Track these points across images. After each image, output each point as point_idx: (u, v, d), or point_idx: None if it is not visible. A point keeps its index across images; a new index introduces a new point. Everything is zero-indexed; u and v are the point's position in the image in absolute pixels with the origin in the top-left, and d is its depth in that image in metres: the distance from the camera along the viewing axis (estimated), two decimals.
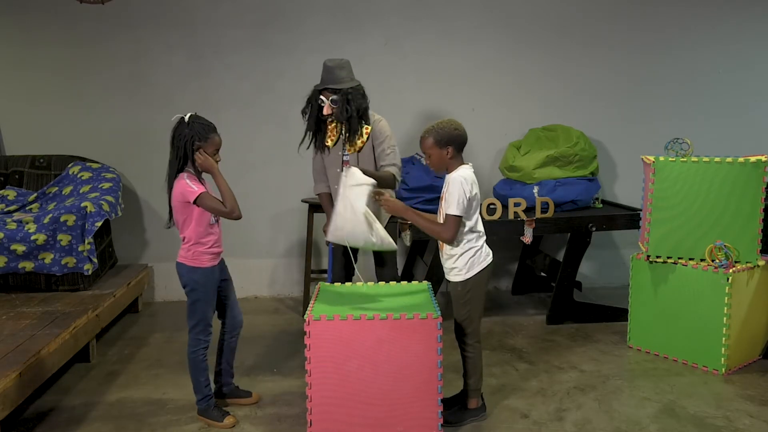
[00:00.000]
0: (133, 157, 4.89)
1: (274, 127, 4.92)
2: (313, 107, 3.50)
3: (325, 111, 3.45)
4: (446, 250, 2.93)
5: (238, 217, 2.92)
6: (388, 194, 3.12)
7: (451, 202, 2.80)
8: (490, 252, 2.99)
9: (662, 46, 5.14)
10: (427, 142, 2.85)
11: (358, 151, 3.51)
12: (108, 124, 4.86)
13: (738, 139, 5.17)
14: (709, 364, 3.57)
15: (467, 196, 2.80)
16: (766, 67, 5.26)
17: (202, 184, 2.91)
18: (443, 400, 2.85)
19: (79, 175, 4.54)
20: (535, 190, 4.45)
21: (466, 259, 2.89)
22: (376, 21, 4.93)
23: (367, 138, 3.51)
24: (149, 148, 4.89)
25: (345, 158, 3.54)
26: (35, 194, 4.53)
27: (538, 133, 4.80)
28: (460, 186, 2.79)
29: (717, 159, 3.52)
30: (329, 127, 3.53)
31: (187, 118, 2.89)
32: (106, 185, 4.42)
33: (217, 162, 2.93)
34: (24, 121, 4.82)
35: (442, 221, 2.90)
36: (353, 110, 3.42)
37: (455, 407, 3.07)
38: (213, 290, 3.02)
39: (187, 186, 2.84)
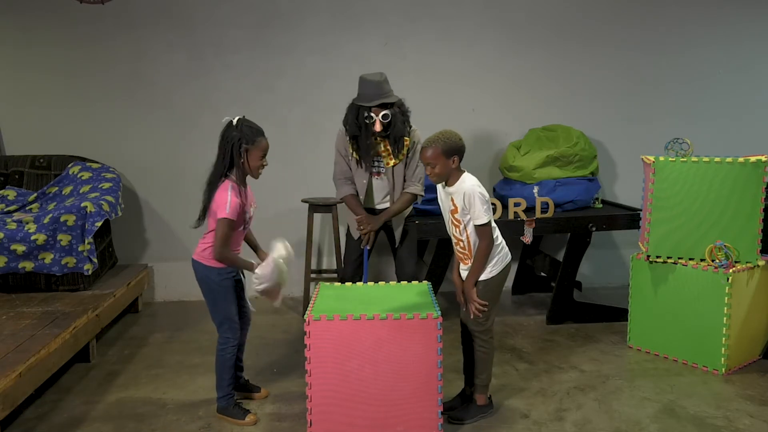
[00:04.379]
0: (133, 157, 4.89)
1: (274, 127, 4.86)
2: (366, 127, 3.38)
3: (377, 128, 3.36)
4: (473, 251, 2.93)
5: (213, 257, 2.90)
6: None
7: (479, 214, 2.81)
8: (509, 252, 3.01)
9: (662, 46, 5.14)
10: (433, 152, 2.80)
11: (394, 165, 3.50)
12: (108, 124, 4.86)
13: (738, 139, 5.17)
14: (709, 364, 3.57)
15: (487, 200, 2.83)
16: (766, 67, 5.26)
17: (242, 193, 2.90)
18: (444, 405, 2.86)
19: (79, 175, 4.54)
20: (535, 190, 4.45)
21: (491, 258, 2.91)
22: (376, 21, 4.93)
23: (407, 150, 3.47)
24: (149, 148, 4.90)
25: (380, 170, 3.51)
26: (35, 194, 4.53)
27: (538, 133, 4.80)
28: (479, 196, 2.80)
29: (717, 159, 3.52)
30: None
31: (235, 121, 2.89)
32: (106, 185, 4.42)
33: (263, 166, 2.95)
34: (24, 121, 4.82)
35: (462, 233, 2.90)
36: (408, 122, 3.39)
37: (463, 405, 3.09)
38: (230, 288, 3.02)
39: (224, 204, 2.82)
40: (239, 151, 2.86)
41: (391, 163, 3.50)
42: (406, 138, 3.46)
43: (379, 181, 3.58)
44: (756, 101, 5.26)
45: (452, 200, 2.89)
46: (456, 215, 2.89)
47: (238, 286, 3.14)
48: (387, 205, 3.62)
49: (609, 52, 5.11)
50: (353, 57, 4.85)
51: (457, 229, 2.92)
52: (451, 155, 2.82)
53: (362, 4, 4.91)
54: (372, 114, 3.36)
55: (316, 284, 3.27)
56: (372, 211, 3.62)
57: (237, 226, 2.92)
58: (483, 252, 2.87)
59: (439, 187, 2.96)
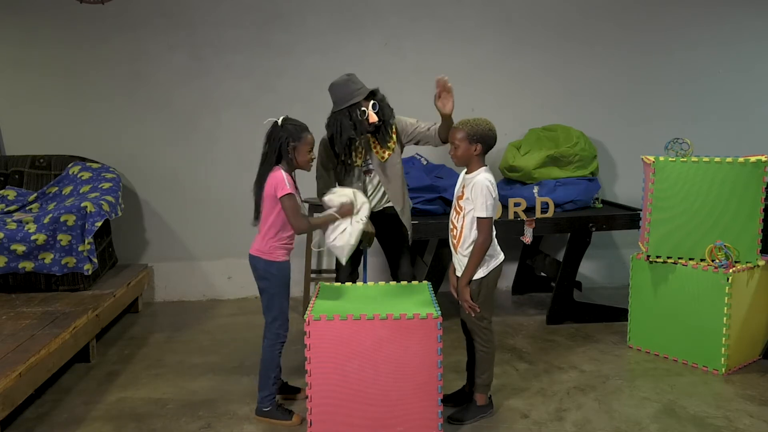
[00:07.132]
0: (133, 157, 4.89)
1: None
2: (360, 123, 3.27)
3: (373, 119, 3.28)
4: (462, 250, 2.94)
5: (297, 233, 3.00)
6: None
7: (480, 206, 2.84)
8: (501, 251, 3.02)
9: (662, 46, 5.14)
10: (459, 134, 2.89)
11: (385, 160, 3.39)
12: (108, 124, 4.86)
13: (738, 139, 5.17)
14: (709, 364, 3.57)
15: (493, 197, 2.85)
16: (766, 67, 5.26)
17: (294, 182, 2.97)
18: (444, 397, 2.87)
19: (79, 175, 4.54)
20: (535, 190, 4.45)
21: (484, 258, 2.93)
22: (376, 21, 4.93)
23: (397, 137, 3.42)
24: (149, 148, 4.90)
25: (369, 167, 3.41)
26: (35, 194, 4.53)
27: (538, 133, 4.80)
28: (486, 189, 2.83)
29: (717, 159, 3.52)
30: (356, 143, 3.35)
31: (280, 121, 2.96)
32: (106, 185, 4.42)
33: (312, 159, 3.02)
34: (24, 121, 4.82)
35: (459, 220, 2.93)
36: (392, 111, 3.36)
37: (463, 405, 3.09)
38: (288, 283, 3.04)
39: (283, 181, 2.90)
40: (287, 148, 2.93)
41: (386, 155, 3.40)
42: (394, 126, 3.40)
43: (371, 179, 3.46)
44: (756, 101, 5.26)
45: (463, 187, 2.94)
46: (461, 201, 2.93)
47: None
48: (389, 203, 3.50)
49: (609, 52, 5.11)
50: (353, 57, 4.85)
51: (457, 216, 2.96)
52: (474, 141, 2.87)
53: (362, 4, 4.91)
54: (363, 108, 3.29)
55: (316, 284, 3.27)
56: (373, 213, 3.52)
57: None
58: (479, 248, 2.88)
59: (462, 172, 3.01)
